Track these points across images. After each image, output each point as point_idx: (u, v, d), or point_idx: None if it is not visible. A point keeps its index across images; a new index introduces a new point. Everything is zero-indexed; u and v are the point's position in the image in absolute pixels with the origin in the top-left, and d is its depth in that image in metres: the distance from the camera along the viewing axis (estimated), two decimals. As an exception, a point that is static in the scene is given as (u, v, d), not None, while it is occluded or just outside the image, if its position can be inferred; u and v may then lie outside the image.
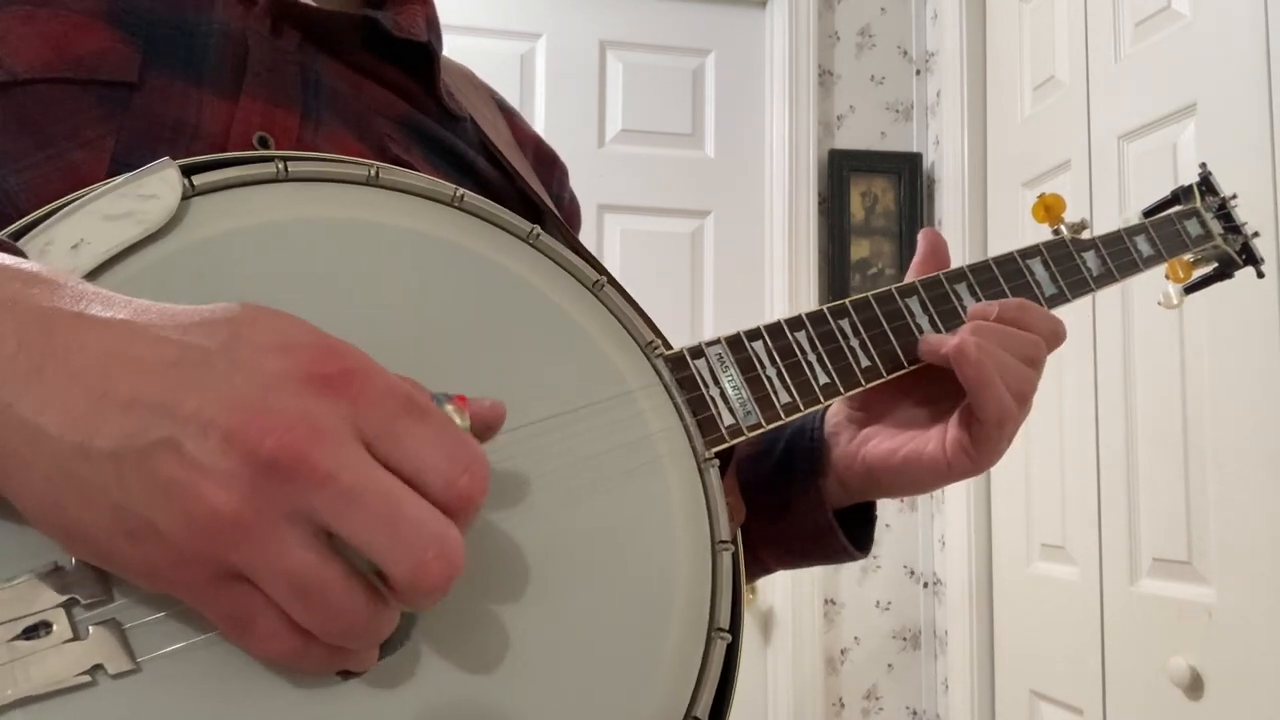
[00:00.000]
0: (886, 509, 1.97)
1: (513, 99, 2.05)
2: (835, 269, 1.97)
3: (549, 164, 0.72)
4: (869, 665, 1.94)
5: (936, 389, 0.58)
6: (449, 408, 0.34)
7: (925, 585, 1.97)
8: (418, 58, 0.57)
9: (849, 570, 1.94)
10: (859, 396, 0.59)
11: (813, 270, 1.95)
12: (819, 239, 1.98)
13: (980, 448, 0.55)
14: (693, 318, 1.97)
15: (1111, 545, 1.46)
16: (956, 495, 1.87)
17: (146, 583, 0.31)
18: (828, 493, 0.61)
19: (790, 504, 0.61)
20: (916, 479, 0.58)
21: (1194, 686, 1.27)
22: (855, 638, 1.94)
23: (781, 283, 1.95)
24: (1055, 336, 0.58)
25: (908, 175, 2.01)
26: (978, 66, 1.92)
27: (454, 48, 2.24)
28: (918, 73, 2.07)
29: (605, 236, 1.96)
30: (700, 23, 2.05)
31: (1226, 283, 1.26)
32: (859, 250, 1.98)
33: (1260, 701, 1.18)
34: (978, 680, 1.80)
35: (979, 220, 1.88)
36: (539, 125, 1.95)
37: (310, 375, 0.30)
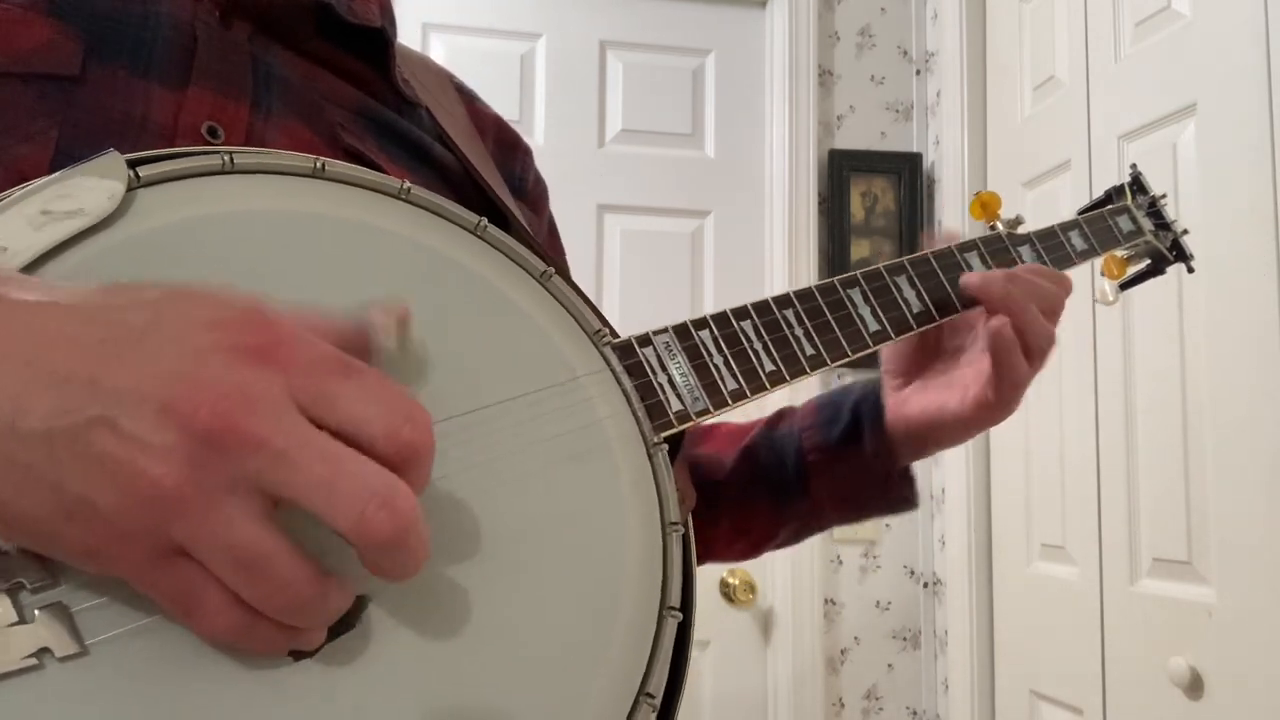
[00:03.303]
0: (886, 509, 1.97)
1: (513, 99, 2.06)
2: (835, 269, 1.97)
3: (511, 147, 0.71)
4: (869, 665, 1.94)
5: (960, 350, 0.65)
6: (374, 317, 0.35)
7: (925, 585, 1.97)
8: (372, 44, 0.57)
9: (849, 570, 1.94)
10: (894, 360, 0.67)
11: (813, 270, 1.95)
12: (819, 239, 1.98)
13: (1000, 397, 0.61)
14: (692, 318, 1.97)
15: (1111, 545, 1.46)
16: (956, 495, 1.87)
17: (88, 564, 0.30)
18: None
19: (864, 460, 0.66)
20: (956, 426, 0.64)
21: (1194, 686, 1.27)
22: (855, 638, 1.94)
23: (781, 283, 1.95)
24: (1068, 286, 0.65)
25: (908, 175, 2.01)
26: (978, 66, 1.92)
27: (454, 47, 2.25)
28: (918, 73, 2.07)
29: (605, 236, 1.96)
30: (700, 23, 2.05)
31: (1227, 282, 1.26)
32: (859, 250, 1.98)
33: (1260, 701, 1.18)
34: (978, 680, 1.80)
35: (978, 220, 1.88)
36: (539, 125, 1.95)
37: (240, 346, 0.30)
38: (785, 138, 1.98)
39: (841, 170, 1.99)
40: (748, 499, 0.68)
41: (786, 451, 0.69)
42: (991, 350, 0.60)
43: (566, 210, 0.79)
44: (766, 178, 2.03)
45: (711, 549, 0.69)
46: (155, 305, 0.31)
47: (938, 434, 0.65)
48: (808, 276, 1.95)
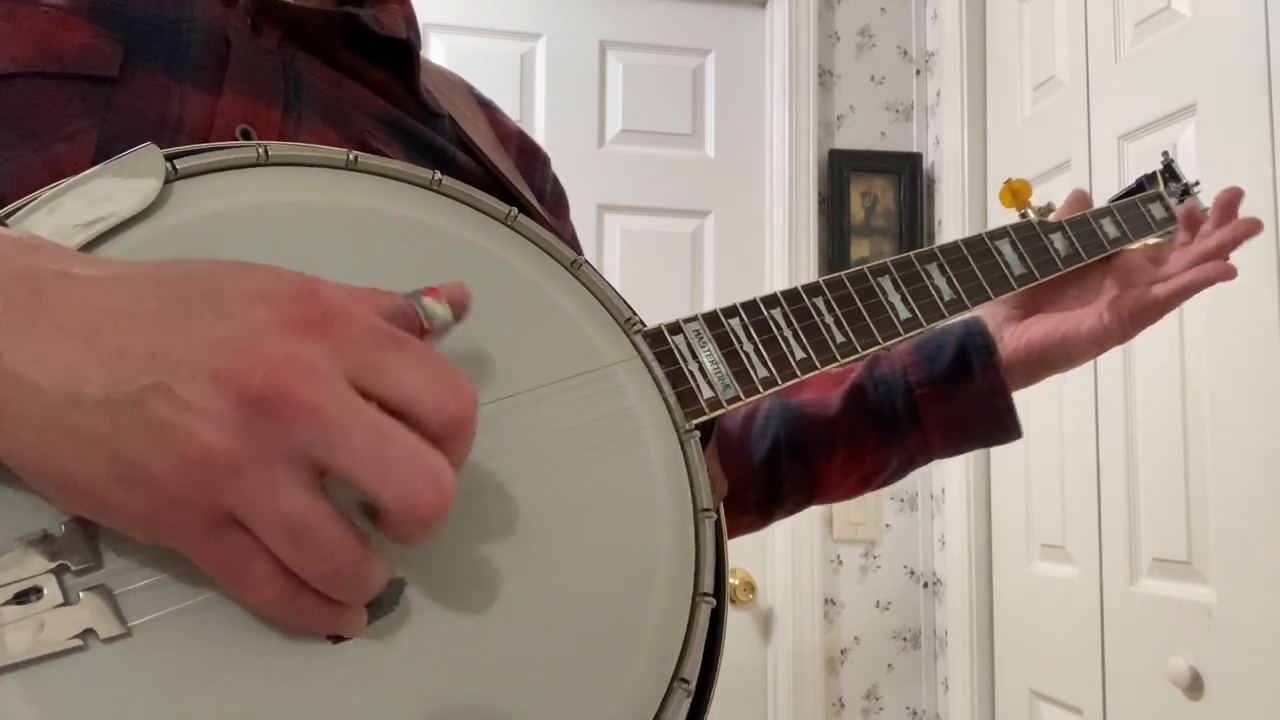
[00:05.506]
0: (887, 509, 1.97)
1: (513, 99, 2.05)
2: (835, 269, 1.96)
3: (531, 156, 0.73)
4: (869, 665, 1.94)
5: (1081, 286, 0.73)
6: (427, 300, 0.35)
7: (925, 585, 1.97)
8: (397, 55, 0.58)
9: (849, 570, 1.94)
10: (1015, 298, 0.73)
11: (813, 270, 1.95)
12: (819, 239, 1.98)
13: (1137, 324, 0.71)
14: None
15: (1111, 545, 1.46)
16: (956, 495, 1.87)
17: (141, 531, 0.31)
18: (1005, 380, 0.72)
19: (972, 391, 0.71)
20: (1075, 350, 0.71)
21: (1194, 686, 1.27)
22: (855, 638, 1.94)
23: (782, 283, 1.95)
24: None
25: (908, 175, 2.01)
26: (978, 66, 1.92)
27: (454, 48, 2.25)
28: (918, 73, 2.07)
29: (605, 236, 1.96)
30: (700, 23, 2.05)
31: (1227, 282, 1.25)
32: (859, 250, 1.98)
33: (1260, 701, 1.18)
34: (978, 680, 1.80)
35: (979, 220, 1.88)
36: (539, 125, 1.95)
37: (293, 319, 0.31)
38: (785, 138, 1.98)
39: (841, 170, 1.99)
40: (859, 434, 0.72)
41: (895, 388, 0.72)
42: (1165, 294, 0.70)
43: (567, 210, 0.79)
44: (766, 178, 2.02)
45: (825, 485, 0.73)
46: (209, 279, 0.32)
47: (1067, 350, 0.71)
48: (808, 276, 1.95)
